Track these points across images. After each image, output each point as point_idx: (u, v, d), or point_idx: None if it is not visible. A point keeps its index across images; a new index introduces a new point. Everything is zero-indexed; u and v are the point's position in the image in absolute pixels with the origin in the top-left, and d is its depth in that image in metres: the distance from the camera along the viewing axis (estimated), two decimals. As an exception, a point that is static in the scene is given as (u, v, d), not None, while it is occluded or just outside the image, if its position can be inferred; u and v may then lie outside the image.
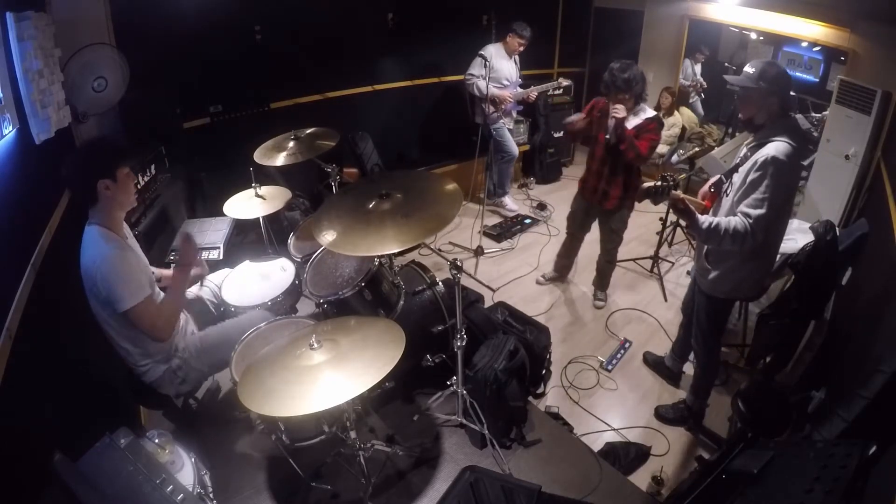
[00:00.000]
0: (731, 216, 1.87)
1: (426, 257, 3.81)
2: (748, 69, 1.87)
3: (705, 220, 1.87)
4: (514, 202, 4.57)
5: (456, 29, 4.04)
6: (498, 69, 3.89)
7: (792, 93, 1.91)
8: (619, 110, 2.65)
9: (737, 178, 1.93)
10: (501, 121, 4.12)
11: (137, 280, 1.73)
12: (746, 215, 1.80)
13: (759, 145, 1.84)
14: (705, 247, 2.10)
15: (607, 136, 2.76)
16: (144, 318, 1.73)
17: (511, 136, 4.32)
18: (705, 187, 2.19)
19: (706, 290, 2.18)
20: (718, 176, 2.11)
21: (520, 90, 4.07)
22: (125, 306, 1.68)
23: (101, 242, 1.69)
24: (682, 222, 2.01)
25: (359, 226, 1.79)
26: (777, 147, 1.77)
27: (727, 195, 1.99)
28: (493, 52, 3.86)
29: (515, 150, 4.34)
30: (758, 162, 1.79)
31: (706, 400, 2.46)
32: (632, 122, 2.73)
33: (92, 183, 1.68)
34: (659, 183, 1.90)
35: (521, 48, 3.94)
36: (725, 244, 1.86)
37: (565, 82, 3.99)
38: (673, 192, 1.90)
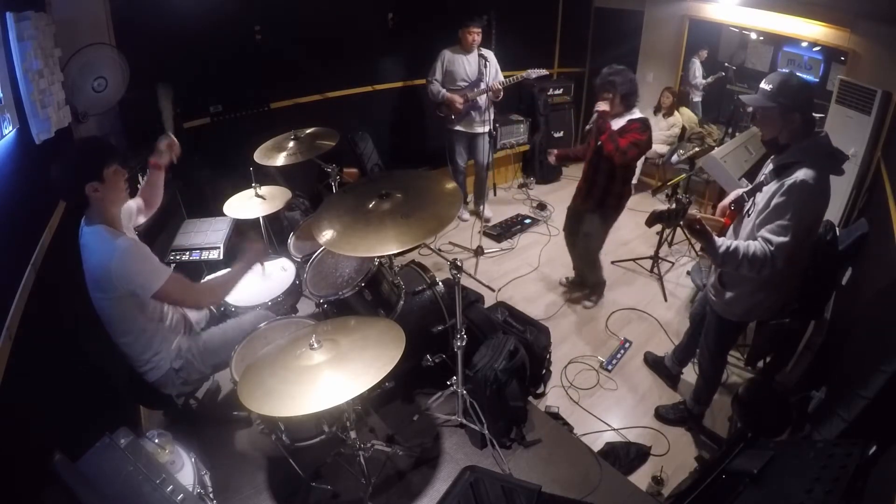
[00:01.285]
0: (751, 239, 1.76)
1: (426, 257, 3.81)
2: (764, 85, 1.73)
3: (722, 243, 1.74)
4: (489, 211, 4.44)
5: (456, 29, 4.03)
6: (451, 71, 3.83)
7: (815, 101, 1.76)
8: (601, 104, 2.74)
9: (760, 198, 1.81)
10: (458, 126, 3.95)
11: (156, 262, 1.76)
12: (768, 241, 1.68)
13: (786, 166, 1.72)
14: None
15: (598, 142, 2.78)
16: (175, 293, 1.77)
17: (462, 147, 4.07)
18: (725, 202, 2.10)
19: (718, 311, 2.10)
20: (740, 193, 2.01)
21: (481, 90, 3.82)
22: (154, 288, 1.69)
23: (109, 239, 1.68)
24: (697, 243, 1.86)
25: (359, 226, 1.79)
26: (807, 172, 1.65)
27: (748, 215, 1.88)
28: (448, 54, 3.82)
29: (460, 162, 4.13)
30: (785, 185, 1.67)
31: (707, 405, 2.46)
32: (617, 124, 2.75)
33: (79, 188, 1.65)
34: (673, 206, 1.78)
35: (476, 37, 3.69)
36: (743, 269, 1.74)
37: (534, 73, 3.72)
38: (689, 212, 1.77)
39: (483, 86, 3.82)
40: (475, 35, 3.71)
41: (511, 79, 3.83)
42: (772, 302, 1.98)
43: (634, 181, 4.80)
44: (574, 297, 3.49)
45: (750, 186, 1.96)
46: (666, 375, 2.78)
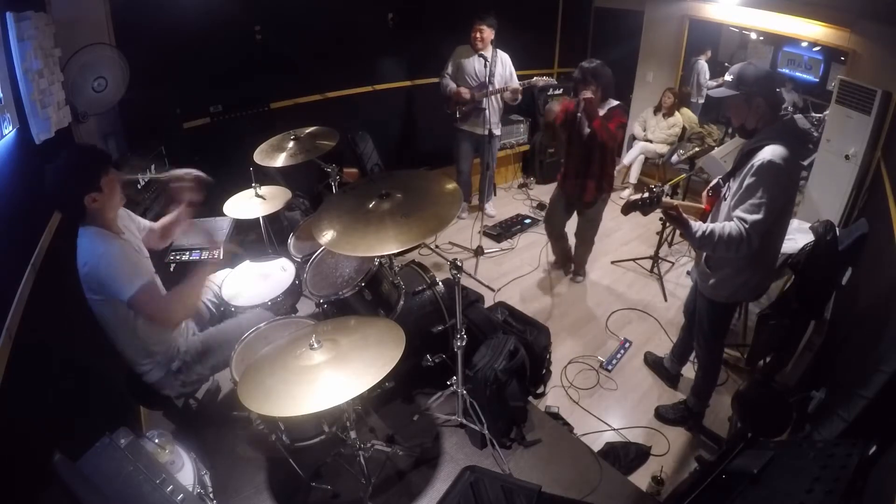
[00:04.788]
0: (727, 221, 1.84)
1: (426, 257, 3.81)
2: (727, 77, 1.86)
3: (699, 227, 1.83)
4: (493, 208, 4.53)
5: (456, 29, 4.04)
6: (461, 67, 3.84)
7: (782, 90, 1.90)
8: (587, 92, 2.83)
9: (734, 182, 1.90)
10: (464, 126, 3.95)
11: (134, 268, 1.71)
12: (742, 220, 1.77)
13: (756, 149, 1.81)
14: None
15: (585, 131, 2.91)
16: (148, 304, 1.69)
17: (467, 146, 4.05)
18: (705, 192, 2.16)
19: (707, 294, 2.16)
20: (717, 179, 2.09)
21: (490, 90, 3.72)
22: (127, 294, 1.65)
23: (96, 242, 1.68)
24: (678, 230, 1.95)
25: (359, 226, 1.79)
26: (773, 151, 1.73)
27: (725, 199, 1.97)
28: (461, 51, 3.84)
29: (464, 163, 4.14)
30: (754, 166, 1.76)
31: (707, 401, 2.46)
32: (601, 111, 2.89)
33: (78, 200, 1.65)
34: (645, 195, 1.84)
35: (477, 34, 3.68)
36: (720, 250, 1.82)
37: (541, 81, 3.76)
38: (664, 199, 1.85)
39: (492, 87, 3.76)
40: (478, 32, 3.69)
41: (497, 90, 3.81)
42: (756, 281, 2.06)
43: (634, 181, 4.85)
44: (575, 297, 3.50)
45: (727, 169, 2.02)
46: (666, 376, 2.78)
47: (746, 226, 1.75)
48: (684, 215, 1.86)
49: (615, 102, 2.96)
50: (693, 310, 2.36)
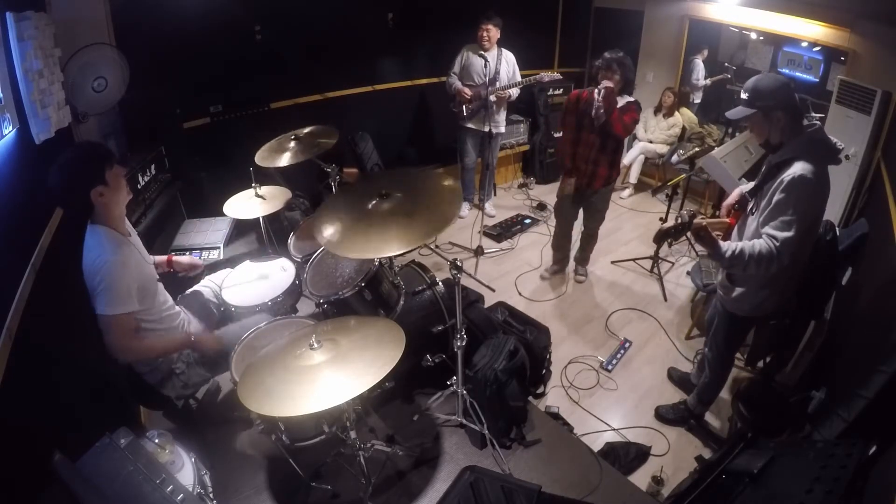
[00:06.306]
0: (755, 238, 1.78)
1: (426, 257, 3.81)
2: (742, 94, 1.78)
3: (728, 247, 1.77)
4: (493, 208, 4.55)
5: (456, 29, 4.03)
6: (468, 66, 3.86)
7: (798, 96, 1.75)
8: (606, 82, 2.85)
9: (762, 197, 1.84)
10: (469, 124, 3.98)
11: (127, 291, 1.70)
12: (772, 238, 1.70)
13: (783, 163, 1.74)
14: None
15: (597, 116, 2.91)
16: (115, 330, 1.68)
17: (471, 144, 4.11)
18: (729, 202, 2.12)
19: (728, 307, 2.12)
20: (742, 193, 2.03)
21: (497, 88, 3.78)
22: (103, 311, 1.65)
23: (105, 244, 1.68)
24: (703, 249, 1.85)
25: (360, 226, 1.78)
26: (803, 166, 1.67)
27: (752, 214, 1.90)
28: (467, 50, 3.87)
29: (468, 160, 4.20)
30: (784, 182, 1.69)
31: (709, 405, 2.46)
32: (618, 103, 2.92)
33: (85, 195, 1.64)
34: (678, 222, 1.78)
35: (484, 33, 3.70)
36: (750, 269, 1.76)
37: (547, 77, 3.80)
38: (695, 220, 1.77)
39: (498, 85, 3.82)
40: (484, 31, 3.71)
41: (524, 80, 3.86)
42: (778, 297, 2.00)
43: (634, 181, 4.86)
44: (575, 297, 3.51)
45: (752, 185, 1.97)
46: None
47: (777, 243, 1.69)
48: (713, 234, 1.79)
49: (631, 98, 2.99)
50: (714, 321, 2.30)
